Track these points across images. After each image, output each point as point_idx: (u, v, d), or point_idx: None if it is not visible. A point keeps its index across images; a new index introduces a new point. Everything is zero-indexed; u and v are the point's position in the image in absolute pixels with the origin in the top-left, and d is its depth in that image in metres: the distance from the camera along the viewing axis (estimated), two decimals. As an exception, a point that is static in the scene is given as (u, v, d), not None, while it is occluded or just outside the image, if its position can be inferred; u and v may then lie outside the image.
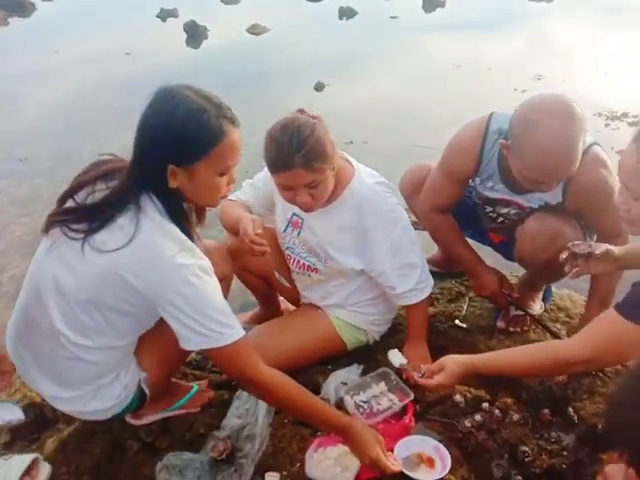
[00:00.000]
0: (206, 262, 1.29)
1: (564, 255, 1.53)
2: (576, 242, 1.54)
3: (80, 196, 1.32)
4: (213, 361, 1.33)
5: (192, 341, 1.28)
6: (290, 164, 1.48)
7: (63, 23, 7.05)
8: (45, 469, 1.47)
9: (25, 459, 1.46)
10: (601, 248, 1.50)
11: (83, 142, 3.90)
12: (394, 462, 1.41)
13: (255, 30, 6.91)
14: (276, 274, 1.78)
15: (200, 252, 1.30)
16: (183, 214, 1.33)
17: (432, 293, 2.19)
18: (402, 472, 1.43)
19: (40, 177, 3.44)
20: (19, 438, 1.63)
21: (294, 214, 1.76)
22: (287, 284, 1.87)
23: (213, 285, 1.28)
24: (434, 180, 1.89)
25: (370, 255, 1.70)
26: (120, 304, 1.29)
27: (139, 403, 1.51)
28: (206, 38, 6.76)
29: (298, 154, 1.46)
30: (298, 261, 1.79)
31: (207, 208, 1.43)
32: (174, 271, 1.23)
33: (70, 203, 1.33)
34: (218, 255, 1.65)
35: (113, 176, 1.32)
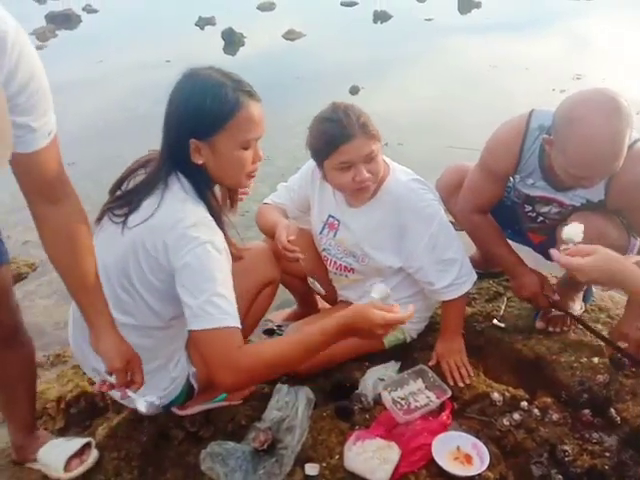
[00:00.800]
0: (221, 240, 1.28)
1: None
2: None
3: (125, 185, 1.41)
4: (193, 342, 1.29)
5: (190, 321, 1.22)
6: (350, 134, 1.52)
7: (107, 33, 7.32)
8: (93, 454, 1.55)
9: (78, 442, 1.55)
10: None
11: (125, 147, 4.03)
12: (399, 313, 1.29)
13: (290, 36, 7.01)
14: (309, 280, 1.79)
15: (219, 230, 1.30)
16: (211, 194, 1.36)
17: (470, 293, 2.20)
18: (439, 467, 1.44)
19: (86, 180, 3.57)
20: (73, 425, 1.72)
21: (330, 216, 1.79)
22: (322, 290, 1.88)
23: (221, 264, 1.25)
24: (473, 179, 1.89)
25: (408, 251, 1.71)
26: (148, 279, 1.33)
27: (187, 396, 1.57)
28: (243, 45, 6.90)
29: (358, 123, 1.52)
30: (335, 262, 1.82)
31: (240, 196, 1.46)
32: (185, 240, 1.24)
33: (118, 193, 1.42)
34: (266, 258, 1.70)
35: (150, 164, 1.40)
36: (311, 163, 1.79)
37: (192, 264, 1.23)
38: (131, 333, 1.40)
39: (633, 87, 4.67)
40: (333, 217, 1.79)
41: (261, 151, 1.36)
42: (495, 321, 2.03)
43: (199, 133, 1.27)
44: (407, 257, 1.72)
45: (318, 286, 1.83)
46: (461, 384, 1.73)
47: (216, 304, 1.21)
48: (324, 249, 1.84)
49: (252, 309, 1.67)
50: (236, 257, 1.39)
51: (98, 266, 1.39)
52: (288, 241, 1.64)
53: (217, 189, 1.41)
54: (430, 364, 1.76)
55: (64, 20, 7.71)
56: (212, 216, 1.32)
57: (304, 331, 1.31)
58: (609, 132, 1.45)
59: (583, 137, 1.46)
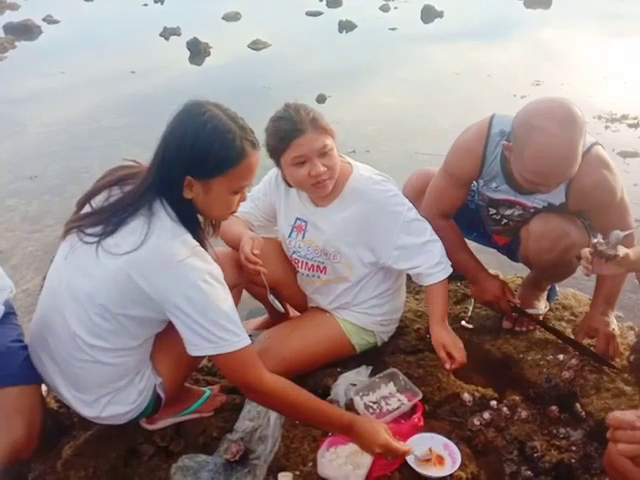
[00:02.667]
0: (217, 269, 1.32)
1: (587, 252, 1.47)
2: (600, 241, 1.47)
3: (96, 201, 1.38)
4: (217, 367, 1.37)
5: (198, 346, 1.30)
6: (302, 129, 1.55)
7: (69, 44, 7.20)
8: None
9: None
10: (622, 252, 1.45)
11: (91, 159, 3.97)
12: (403, 444, 1.43)
13: (256, 45, 7.02)
14: (269, 297, 1.79)
15: (211, 259, 1.33)
16: (196, 221, 1.37)
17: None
18: (412, 469, 1.45)
19: (49, 194, 3.51)
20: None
21: (297, 218, 1.80)
22: (281, 308, 1.88)
23: (222, 292, 1.31)
24: (437, 184, 1.91)
25: (381, 243, 1.71)
26: (131, 308, 1.32)
27: (154, 408, 1.54)
28: (209, 55, 6.88)
29: (307, 118, 1.56)
30: (306, 263, 1.82)
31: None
32: (183, 274, 1.26)
33: (87, 208, 1.38)
34: (229, 262, 1.69)
35: (128, 181, 1.38)
36: (274, 171, 1.80)
37: (193, 297, 1.26)
38: (103, 354, 1.38)
39: (589, 92, 4.85)
40: (300, 219, 1.79)
41: (247, 194, 1.41)
42: (463, 322, 2.06)
43: (198, 172, 1.28)
44: (382, 248, 1.72)
45: (277, 303, 1.83)
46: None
47: (227, 328, 1.29)
48: (294, 252, 1.84)
49: None
50: None
51: (62, 285, 1.37)
52: (252, 254, 1.64)
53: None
54: (447, 365, 1.67)
55: (24, 31, 7.54)
56: (197, 241, 1.33)
57: (325, 407, 1.44)
58: (564, 141, 1.50)
59: (539, 145, 1.51)
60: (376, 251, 1.74)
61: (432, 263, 1.71)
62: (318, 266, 1.81)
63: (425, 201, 1.94)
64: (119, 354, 1.39)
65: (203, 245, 1.36)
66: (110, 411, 1.46)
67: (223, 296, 1.31)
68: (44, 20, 8.11)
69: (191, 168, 1.27)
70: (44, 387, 1.60)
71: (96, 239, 1.31)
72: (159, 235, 1.28)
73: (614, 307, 1.87)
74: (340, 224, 1.72)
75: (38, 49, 7.22)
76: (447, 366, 1.66)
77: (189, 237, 1.32)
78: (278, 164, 1.65)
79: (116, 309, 1.33)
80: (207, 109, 1.29)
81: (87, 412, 1.47)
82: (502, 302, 1.93)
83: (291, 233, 1.82)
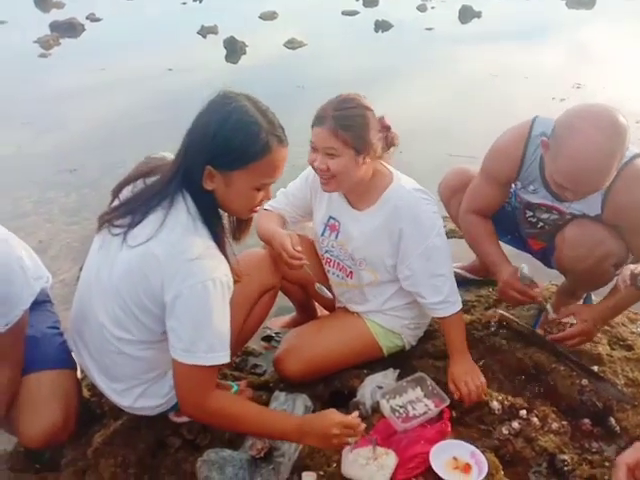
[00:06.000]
0: (225, 276, 1.27)
1: (628, 276, 1.40)
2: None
3: (124, 193, 1.40)
4: (173, 370, 1.31)
5: (177, 351, 1.27)
6: (322, 120, 1.55)
7: (110, 42, 7.35)
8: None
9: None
10: None
11: (127, 154, 4.01)
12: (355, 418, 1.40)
13: (292, 45, 7.04)
14: (317, 286, 1.78)
15: (223, 263, 1.29)
16: (217, 219, 1.35)
17: (469, 300, 2.20)
18: (438, 476, 1.43)
19: (87, 187, 3.59)
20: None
21: (330, 217, 1.79)
22: (329, 295, 1.87)
23: (219, 301, 1.25)
24: (475, 183, 1.90)
25: (401, 256, 1.70)
26: (142, 301, 1.31)
27: None
28: (245, 53, 6.92)
29: (333, 113, 1.54)
30: (338, 263, 1.82)
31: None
32: (185, 273, 1.23)
33: (115, 202, 1.41)
34: (265, 264, 1.69)
35: (153, 174, 1.39)
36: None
37: (189, 299, 1.23)
38: (129, 347, 1.40)
39: (632, 97, 4.68)
40: (334, 218, 1.78)
41: (271, 192, 1.37)
42: (500, 311, 2.02)
43: (219, 163, 1.25)
44: (400, 261, 1.71)
45: (326, 291, 1.82)
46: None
47: (208, 342, 1.26)
48: (326, 251, 1.84)
49: (251, 315, 1.67)
50: (235, 282, 1.39)
51: (93, 277, 1.40)
52: (295, 250, 1.63)
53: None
54: (455, 397, 1.67)
55: (68, 29, 7.73)
56: (215, 242, 1.31)
57: (271, 415, 1.45)
58: (601, 150, 1.45)
59: (574, 148, 1.47)
60: (396, 261, 1.72)
61: (435, 300, 1.70)
62: (346, 269, 1.80)
63: (464, 200, 1.92)
64: (144, 347, 1.41)
65: (221, 244, 1.33)
66: (142, 402, 1.50)
67: (220, 305, 1.26)
68: (87, 18, 8.29)
69: (212, 158, 1.25)
70: (79, 374, 1.64)
71: (123, 230, 1.33)
72: (172, 229, 1.27)
73: (611, 318, 1.86)
74: (370, 234, 1.71)
75: (81, 46, 7.40)
76: (456, 397, 1.65)
77: (204, 237, 1.29)
78: None
79: (131, 302, 1.33)
80: (235, 100, 1.26)
81: (120, 401, 1.51)
82: (512, 289, 1.77)
83: (324, 231, 1.82)
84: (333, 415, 1.38)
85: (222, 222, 1.37)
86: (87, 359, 1.50)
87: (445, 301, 1.70)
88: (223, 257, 1.31)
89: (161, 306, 1.29)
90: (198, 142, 1.27)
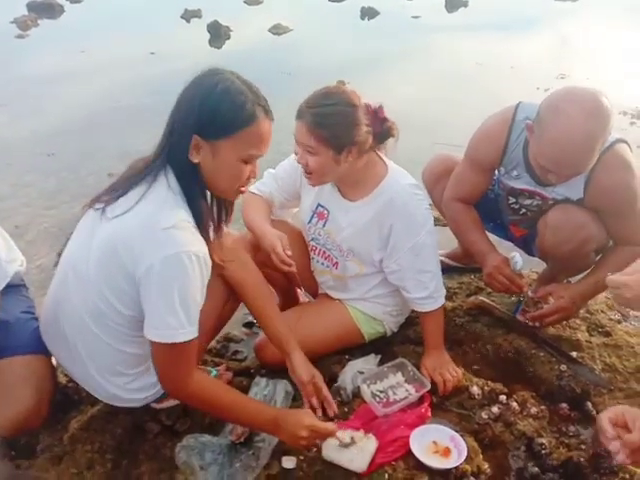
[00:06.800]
0: (202, 252, 1.24)
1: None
2: None
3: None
4: (154, 353, 1.29)
5: (149, 329, 1.25)
6: (301, 114, 1.54)
7: (90, 24, 7.19)
8: None
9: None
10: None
11: (108, 139, 3.97)
12: (329, 424, 1.44)
13: (277, 30, 6.95)
14: (302, 292, 1.79)
15: (199, 239, 1.26)
16: (201, 196, 1.32)
17: (451, 287, 2.21)
18: (418, 459, 1.44)
19: (66, 171, 3.51)
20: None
21: (320, 205, 1.76)
22: (312, 300, 1.88)
23: (193, 274, 1.21)
24: (459, 170, 1.90)
25: (390, 250, 1.69)
26: (116, 281, 1.27)
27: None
28: (229, 38, 6.82)
29: (310, 109, 1.52)
30: (324, 252, 1.80)
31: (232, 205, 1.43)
32: (160, 242, 1.19)
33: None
34: (243, 245, 1.68)
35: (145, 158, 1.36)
36: None
37: (161, 272, 1.19)
38: (109, 338, 1.37)
39: (615, 87, 4.72)
40: (322, 207, 1.76)
41: (258, 170, 1.35)
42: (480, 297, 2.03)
43: (205, 131, 1.24)
44: (389, 255, 1.70)
45: (311, 298, 1.84)
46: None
47: (178, 317, 1.22)
48: (312, 239, 1.82)
49: (229, 304, 1.65)
50: (219, 267, 1.38)
51: (68, 257, 1.37)
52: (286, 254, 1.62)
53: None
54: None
55: (46, 9, 7.53)
56: (196, 220, 1.28)
57: (250, 403, 1.45)
58: (583, 133, 1.46)
59: (558, 130, 1.48)
60: (384, 255, 1.71)
61: (420, 295, 1.70)
62: (332, 259, 1.79)
63: (447, 186, 1.92)
64: (123, 340, 1.39)
65: (204, 226, 1.30)
66: (131, 395, 1.48)
67: (193, 280, 1.22)
68: (67, -1, 8.13)
69: (199, 126, 1.24)
70: (54, 359, 1.61)
71: (102, 205, 1.31)
72: (150, 201, 1.26)
73: (591, 296, 1.87)
74: (360, 226, 1.69)
75: (60, 28, 7.22)
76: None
77: (182, 211, 1.26)
78: None
79: (106, 286, 1.30)
80: (221, 73, 1.27)
81: (101, 393, 1.49)
82: (501, 274, 1.79)
83: (311, 219, 1.79)
84: (305, 417, 1.40)
85: (206, 201, 1.34)
86: (64, 349, 1.47)
87: (430, 297, 1.70)
88: (201, 237, 1.28)
89: (134, 284, 1.25)
90: (184, 115, 1.26)
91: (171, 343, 1.24)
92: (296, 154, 1.62)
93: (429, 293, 1.70)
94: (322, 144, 1.52)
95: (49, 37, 6.83)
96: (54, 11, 7.65)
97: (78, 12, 7.87)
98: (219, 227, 1.41)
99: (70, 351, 1.45)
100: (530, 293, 1.89)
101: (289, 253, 1.62)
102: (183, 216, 1.25)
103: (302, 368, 1.56)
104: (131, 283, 1.25)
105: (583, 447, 1.53)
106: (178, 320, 1.23)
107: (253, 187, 1.84)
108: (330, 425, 1.43)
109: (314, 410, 1.53)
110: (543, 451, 1.52)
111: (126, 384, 1.46)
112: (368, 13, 7.73)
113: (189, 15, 7.61)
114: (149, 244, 1.21)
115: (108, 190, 1.35)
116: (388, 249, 1.69)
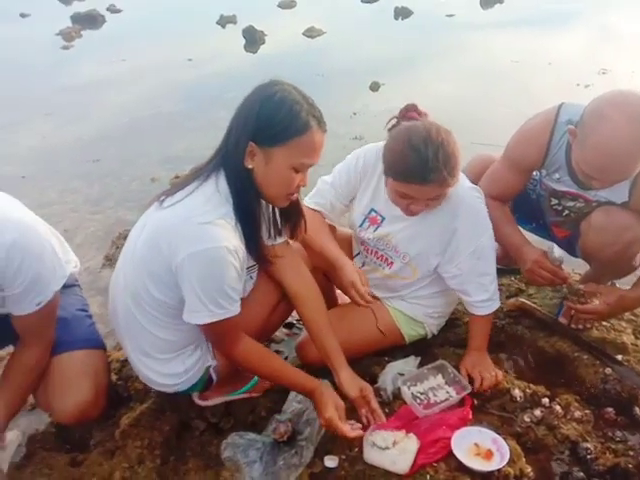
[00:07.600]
0: (233, 244, 1.31)
1: None
2: None
3: None
4: (202, 329, 1.41)
5: (198, 314, 1.34)
6: (428, 179, 1.47)
7: (130, 33, 7.42)
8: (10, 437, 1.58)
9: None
10: None
11: (149, 144, 4.09)
12: (351, 428, 1.47)
13: (311, 33, 7.00)
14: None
15: (235, 235, 1.32)
16: (252, 201, 1.37)
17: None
18: (460, 461, 1.44)
19: (110, 177, 3.64)
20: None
21: (372, 210, 1.76)
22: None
23: (227, 265, 1.30)
24: (495, 168, 1.87)
25: (450, 255, 1.69)
26: (154, 268, 1.36)
27: (205, 386, 1.60)
28: (264, 43, 6.91)
29: (442, 171, 1.45)
30: (376, 252, 1.80)
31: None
32: (197, 235, 1.28)
33: None
34: (296, 267, 1.63)
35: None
36: (360, 152, 1.76)
37: (192, 263, 1.28)
38: (149, 324, 1.45)
39: (661, 81, 4.55)
40: (376, 212, 1.75)
41: (307, 179, 1.40)
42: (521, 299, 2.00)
43: (261, 138, 1.30)
44: (448, 261, 1.70)
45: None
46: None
47: (219, 303, 1.33)
48: (363, 242, 1.82)
49: (276, 310, 1.67)
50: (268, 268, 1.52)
51: (128, 244, 1.49)
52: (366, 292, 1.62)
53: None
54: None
55: (89, 20, 7.83)
56: (242, 222, 1.35)
57: (291, 369, 1.56)
58: (629, 139, 1.43)
59: (602, 137, 1.45)
60: (443, 260, 1.71)
61: (481, 298, 1.70)
62: (387, 258, 1.79)
63: (480, 183, 1.88)
64: (160, 324, 1.46)
65: (252, 228, 1.38)
66: (161, 378, 1.54)
67: (228, 270, 1.31)
68: (108, 10, 8.37)
69: (255, 133, 1.30)
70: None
71: (164, 196, 1.39)
72: (195, 197, 1.34)
73: (631, 309, 1.85)
74: (422, 230, 1.68)
75: (102, 37, 7.48)
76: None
77: (223, 210, 1.33)
78: (387, 175, 1.60)
79: (145, 271, 1.39)
80: (280, 84, 1.33)
81: (144, 371, 1.56)
82: (542, 268, 1.76)
83: (363, 223, 1.79)
84: (330, 412, 1.46)
85: (259, 206, 1.41)
86: (119, 328, 1.56)
87: (490, 299, 1.71)
88: (235, 234, 1.34)
89: (170, 272, 1.33)
90: (242, 121, 1.32)
91: (211, 322, 1.35)
92: (400, 206, 1.61)
93: (489, 295, 1.70)
94: (451, 187, 1.54)
95: (92, 47, 7.08)
96: (96, 22, 7.93)
97: (119, 21, 8.13)
98: (278, 232, 1.51)
99: (120, 327, 1.55)
100: (579, 285, 1.83)
101: (368, 289, 1.62)
102: (222, 215, 1.33)
103: (349, 385, 1.57)
104: (167, 270, 1.34)
105: (631, 453, 1.50)
106: (223, 300, 1.33)
107: (310, 201, 1.80)
108: (350, 432, 1.46)
109: (363, 422, 1.54)
110: (589, 456, 1.50)
111: (155, 367, 1.53)
112: (402, 13, 7.69)
113: (224, 21, 7.75)
114: (184, 237, 1.29)
115: (172, 185, 1.46)
116: (447, 254, 1.69)
